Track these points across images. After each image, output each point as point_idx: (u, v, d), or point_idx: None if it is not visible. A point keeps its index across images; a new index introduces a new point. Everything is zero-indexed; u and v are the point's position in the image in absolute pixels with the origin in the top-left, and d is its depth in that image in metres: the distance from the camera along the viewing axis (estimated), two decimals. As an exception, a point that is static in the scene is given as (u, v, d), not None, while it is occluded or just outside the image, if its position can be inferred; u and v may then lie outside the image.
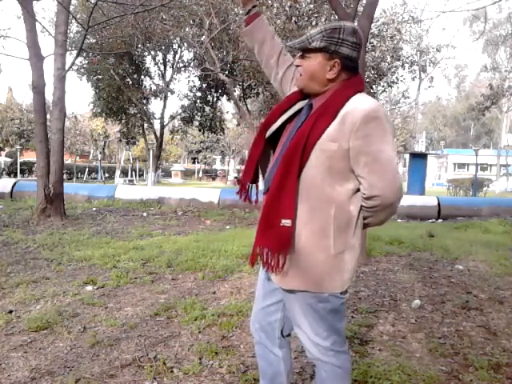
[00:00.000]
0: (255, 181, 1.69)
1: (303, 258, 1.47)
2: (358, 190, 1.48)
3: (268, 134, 1.63)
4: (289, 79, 1.78)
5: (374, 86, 15.83)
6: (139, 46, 16.13)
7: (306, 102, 1.60)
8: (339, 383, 1.62)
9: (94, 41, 15.56)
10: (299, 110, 1.61)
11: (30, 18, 8.03)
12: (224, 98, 20.94)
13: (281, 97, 1.81)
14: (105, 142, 41.43)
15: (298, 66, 1.55)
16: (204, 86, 19.79)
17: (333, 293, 1.50)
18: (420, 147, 36.69)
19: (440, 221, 9.97)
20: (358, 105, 1.43)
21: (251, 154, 1.67)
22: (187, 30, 14.30)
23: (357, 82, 1.53)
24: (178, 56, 20.58)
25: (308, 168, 1.45)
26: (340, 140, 1.42)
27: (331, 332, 1.56)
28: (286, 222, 1.44)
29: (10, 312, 3.20)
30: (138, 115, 21.54)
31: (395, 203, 1.47)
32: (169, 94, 20.84)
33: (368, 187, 1.43)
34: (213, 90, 19.92)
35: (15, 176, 24.97)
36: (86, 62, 18.19)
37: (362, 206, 1.49)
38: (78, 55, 9.44)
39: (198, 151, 48.51)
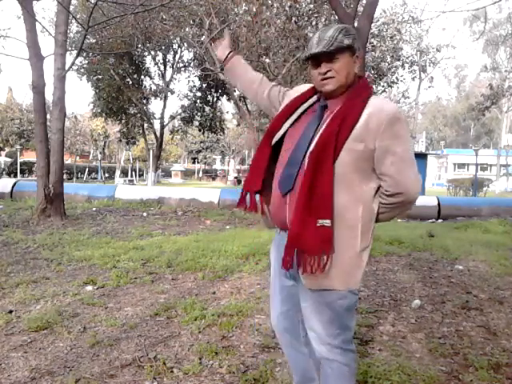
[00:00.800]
0: (262, 189, 1.67)
1: (334, 257, 1.48)
2: (378, 188, 1.54)
3: (274, 141, 1.65)
4: (276, 93, 1.84)
5: (373, 86, 15.83)
6: (139, 46, 16.13)
7: (307, 104, 1.65)
8: (344, 381, 1.63)
9: (94, 41, 15.56)
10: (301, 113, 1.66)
11: (30, 18, 8.03)
12: (224, 98, 20.97)
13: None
14: (105, 142, 41.44)
15: (325, 72, 1.54)
16: (204, 86, 19.80)
17: (352, 289, 1.55)
18: (420, 147, 36.70)
19: (440, 221, 9.97)
20: (382, 107, 1.50)
21: (257, 162, 1.67)
22: (187, 29, 14.30)
23: (365, 84, 1.61)
24: (178, 56, 20.62)
25: (338, 167, 1.47)
26: (366, 140, 1.47)
27: (343, 330, 1.59)
28: (326, 222, 1.45)
29: (10, 312, 3.20)
30: (138, 115, 21.56)
31: (415, 201, 1.54)
32: (169, 94, 20.86)
33: (393, 185, 1.49)
34: (213, 90, 19.93)
35: (15, 176, 24.97)
36: (86, 62, 18.19)
37: (381, 202, 1.55)
38: (77, 55, 9.44)
39: (198, 151, 48.52)
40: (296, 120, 1.65)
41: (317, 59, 1.54)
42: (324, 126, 1.53)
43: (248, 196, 1.69)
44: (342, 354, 1.60)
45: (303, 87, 1.74)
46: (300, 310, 1.67)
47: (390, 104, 1.54)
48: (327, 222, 1.45)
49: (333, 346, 1.58)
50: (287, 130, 1.65)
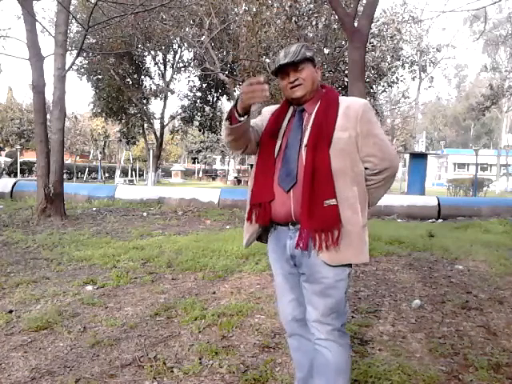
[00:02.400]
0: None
1: (344, 234, 1.66)
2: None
3: (276, 151, 1.78)
4: (260, 126, 1.90)
5: (374, 86, 15.83)
6: (139, 46, 16.14)
7: (288, 117, 1.84)
8: (343, 363, 1.73)
9: (94, 41, 15.57)
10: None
11: (29, 18, 8.04)
12: (224, 98, 20.98)
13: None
14: (105, 142, 41.47)
15: (293, 81, 1.74)
16: (204, 86, 19.81)
17: (363, 263, 1.77)
18: (420, 147, 36.63)
19: (440, 221, 9.97)
20: (355, 100, 1.80)
21: (264, 174, 1.78)
22: (187, 29, 14.31)
23: (331, 88, 1.89)
24: (178, 56, 20.60)
25: (331, 154, 1.67)
26: (349, 129, 1.70)
27: (342, 313, 1.74)
28: (332, 201, 1.65)
29: (10, 312, 3.20)
30: (138, 115, 21.56)
31: (396, 172, 1.81)
32: (169, 94, 20.83)
33: (380, 162, 1.72)
34: (213, 90, 19.94)
35: (15, 176, 24.95)
36: (86, 61, 18.19)
37: (369, 184, 1.75)
38: (77, 55, 9.45)
39: (198, 151, 48.50)
40: (283, 133, 1.83)
41: (285, 71, 1.75)
42: (310, 124, 1.74)
43: (258, 206, 1.80)
44: (341, 337, 1.73)
45: (274, 107, 1.93)
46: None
47: (359, 98, 1.84)
48: (333, 201, 1.65)
49: (334, 328, 1.71)
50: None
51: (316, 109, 1.76)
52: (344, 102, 1.77)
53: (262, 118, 1.94)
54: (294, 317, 1.84)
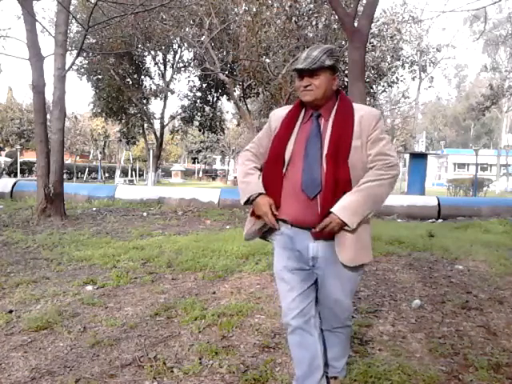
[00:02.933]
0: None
1: (357, 237, 1.82)
2: None
3: (287, 159, 1.85)
4: (267, 140, 2.00)
5: (374, 86, 15.84)
6: (139, 46, 16.13)
7: (300, 121, 1.89)
8: (349, 340, 2.14)
9: (94, 41, 15.56)
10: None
11: (29, 18, 8.04)
12: (224, 98, 20.94)
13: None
14: (105, 142, 41.45)
15: (307, 85, 1.81)
16: (204, 86, 19.78)
17: (372, 260, 1.96)
18: (420, 147, 36.61)
19: (440, 221, 9.97)
20: (369, 110, 1.89)
21: (273, 182, 1.88)
22: (187, 29, 14.30)
23: (345, 95, 1.94)
24: (178, 56, 20.57)
25: (349, 161, 1.80)
26: (362, 137, 1.82)
27: (351, 302, 2.03)
28: None
29: (10, 312, 3.20)
30: (138, 115, 21.54)
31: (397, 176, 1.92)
32: (169, 93, 20.81)
33: (391, 158, 1.84)
34: (213, 90, 19.91)
35: (15, 176, 24.94)
36: (86, 62, 18.18)
37: (379, 178, 1.83)
38: (77, 55, 9.45)
39: (198, 151, 48.48)
40: (296, 137, 1.89)
41: (301, 73, 1.82)
42: (329, 132, 1.82)
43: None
44: (351, 320, 2.10)
45: (283, 110, 1.99)
46: (313, 291, 1.94)
47: (371, 108, 1.94)
48: None
49: (350, 313, 2.04)
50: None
51: (333, 116, 1.84)
52: (358, 111, 1.85)
53: (270, 125, 2.01)
54: (301, 310, 1.90)
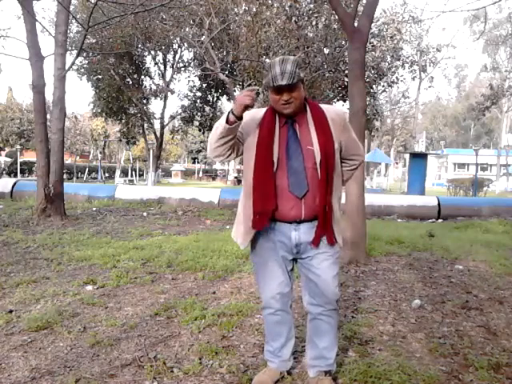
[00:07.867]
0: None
1: (337, 220, 2.06)
2: None
3: (275, 161, 1.95)
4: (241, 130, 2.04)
5: (374, 86, 15.83)
6: (139, 46, 16.15)
7: (278, 125, 1.98)
8: (336, 329, 2.23)
9: (94, 41, 15.55)
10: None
11: (29, 17, 8.04)
12: (224, 98, 20.94)
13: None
14: (105, 142, 41.45)
15: (287, 100, 1.90)
16: (204, 86, 19.78)
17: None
18: (420, 147, 36.60)
19: (440, 221, 9.96)
20: (336, 110, 2.09)
21: (265, 184, 1.95)
22: (187, 29, 14.29)
23: (310, 100, 2.09)
24: (178, 56, 20.56)
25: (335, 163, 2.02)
26: (338, 138, 2.02)
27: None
28: (334, 204, 2.09)
29: (10, 312, 3.20)
30: (138, 115, 21.54)
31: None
32: (169, 93, 20.81)
33: (360, 157, 2.19)
34: (213, 90, 19.91)
35: (15, 176, 24.93)
36: (86, 62, 18.18)
37: (347, 171, 2.19)
38: (77, 55, 9.44)
39: (198, 151, 48.50)
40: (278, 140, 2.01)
41: (280, 89, 1.88)
42: (314, 136, 1.96)
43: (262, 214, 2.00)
44: (338, 303, 2.16)
45: (258, 112, 2.05)
46: (292, 276, 2.19)
47: (337, 107, 2.17)
48: (335, 203, 2.06)
49: (337, 297, 2.12)
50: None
51: (311, 123, 1.98)
52: (327, 112, 2.01)
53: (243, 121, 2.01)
54: (281, 292, 2.13)
